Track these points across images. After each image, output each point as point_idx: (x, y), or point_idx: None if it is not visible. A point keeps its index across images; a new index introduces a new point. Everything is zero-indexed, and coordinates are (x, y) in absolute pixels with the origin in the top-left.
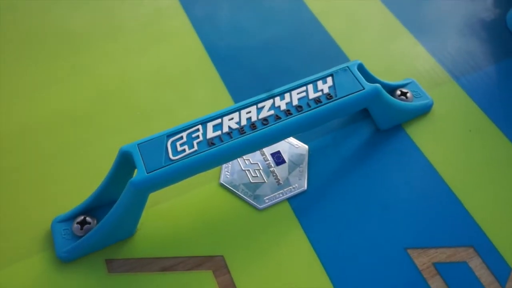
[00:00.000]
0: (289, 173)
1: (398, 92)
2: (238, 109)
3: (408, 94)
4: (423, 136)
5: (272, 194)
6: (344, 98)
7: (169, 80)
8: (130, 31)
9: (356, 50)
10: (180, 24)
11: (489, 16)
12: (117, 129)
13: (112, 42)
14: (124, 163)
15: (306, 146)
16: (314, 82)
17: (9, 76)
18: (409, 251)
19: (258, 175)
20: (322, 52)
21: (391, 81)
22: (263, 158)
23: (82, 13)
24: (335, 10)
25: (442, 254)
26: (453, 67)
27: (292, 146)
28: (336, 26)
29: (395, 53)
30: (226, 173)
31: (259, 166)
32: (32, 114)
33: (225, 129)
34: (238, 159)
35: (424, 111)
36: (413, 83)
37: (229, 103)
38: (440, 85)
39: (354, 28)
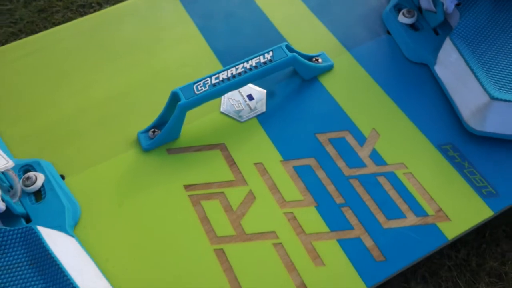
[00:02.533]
0: (256, 103)
1: (314, 59)
2: (227, 69)
3: (319, 60)
4: (327, 81)
5: (248, 114)
6: (277, 61)
7: (190, 64)
8: (164, 41)
9: (292, 36)
10: (192, 33)
11: (375, 9)
12: (164, 87)
13: (155, 45)
14: (173, 99)
15: (265, 90)
16: (263, 54)
17: (107, 63)
18: (316, 134)
19: (240, 106)
20: (272, 39)
21: (311, 53)
22: (242, 98)
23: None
24: (277, 9)
25: (333, 134)
26: (347, 43)
27: (257, 91)
28: (280, 23)
29: (312, 35)
30: (223, 105)
31: (240, 102)
32: (120, 83)
33: (220, 78)
34: (229, 98)
35: (328, 69)
36: (323, 54)
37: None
38: (339, 54)
39: (289, 21)
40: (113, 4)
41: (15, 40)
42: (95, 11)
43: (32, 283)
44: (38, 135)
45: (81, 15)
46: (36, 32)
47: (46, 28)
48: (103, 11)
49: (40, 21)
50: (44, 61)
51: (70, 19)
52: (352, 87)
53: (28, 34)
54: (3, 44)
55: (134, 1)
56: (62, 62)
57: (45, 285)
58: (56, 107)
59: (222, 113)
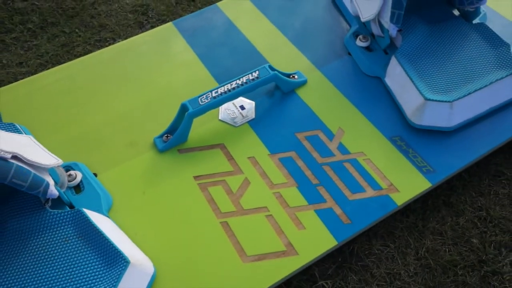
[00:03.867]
0: (247, 112)
1: (291, 76)
2: (223, 85)
3: (295, 76)
4: (303, 93)
5: (241, 120)
6: (262, 78)
7: (192, 83)
8: (170, 66)
9: (274, 59)
10: (193, 59)
11: (338, 35)
12: (172, 102)
13: (163, 70)
14: (182, 109)
15: (253, 102)
16: (251, 72)
17: (124, 85)
18: (295, 133)
19: (234, 115)
20: (257, 62)
21: (289, 71)
22: (236, 108)
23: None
24: (260, 39)
25: (308, 132)
26: (317, 63)
27: (247, 102)
28: (263, 49)
29: (289, 58)
30: (221, 114)
31: (235, 111)
32: (136, 100)
33: (219, 92)
34: (226, 109)
35: (303, 83)
36: (298, 72)
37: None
38: (311, 72)
39: (271, 48)
40: (125, 39)
41: (43, 70)
42: (109, 44)
43: (82, 251)
44: (72, 143)
45: (99, 48)
46: (61, 63)
47: (69, 59)
48: (116, 44)
49: (63, 54)
50: (71, 85)
51: (89, 51)
52: (322, 97)
53: (54, 64)
54: (33, 74)
55: (142, 36)
56: (86, 85)
57: (93, 253)
58: (85, 120)
59: (220, 120)
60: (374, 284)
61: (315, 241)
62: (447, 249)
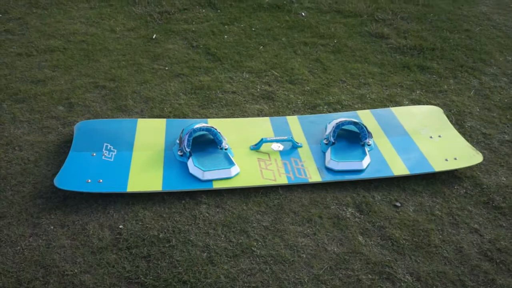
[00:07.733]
0: (280, 148)
1: (298, 142)
2: (276, 137)
3: (299, 143)
4: (300, 149)
5: (277, 149)
6: (288, 139)
7: (266, 134)
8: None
9: (297, 136)
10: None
11: (320, 137)
12: (260, 137)
13: (268, 131)
14: (261, 140)
15: (283, 146)
16: (285, 136)
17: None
18: (290, 158)
19: (275, 147)
20: (289, 133)
21: (298, 141)
22: (277, 145)
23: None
24: (295, 131)
25: (294, 158)
26: (309, 142)
27: (281, 145)
28: (295, 133)
29: (301, 138)
30: (271, 146)
31: (275, 146)
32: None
33: (273, 138)
34: (274, 144)
35: (301, 146)
36: (301, 143)
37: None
38: (304, 144)
39: (296, 135)
40: (263, 116)
41: (229, 117)
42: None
43: (222, 159)
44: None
45: (228, 118)
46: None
47: (238, 117)
48: (246, 118)
49: (236, 115)
50: (238, 125)
51: (246, 117)
52: (304, 151)
53: (236, 117)
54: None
55: (263, 119)
56: (239, 129)
57: (225, 160)
58: (235, 136)
59: (271, 148)
60: (302, 202)
61: (278, 181)
62: (348, 197)
